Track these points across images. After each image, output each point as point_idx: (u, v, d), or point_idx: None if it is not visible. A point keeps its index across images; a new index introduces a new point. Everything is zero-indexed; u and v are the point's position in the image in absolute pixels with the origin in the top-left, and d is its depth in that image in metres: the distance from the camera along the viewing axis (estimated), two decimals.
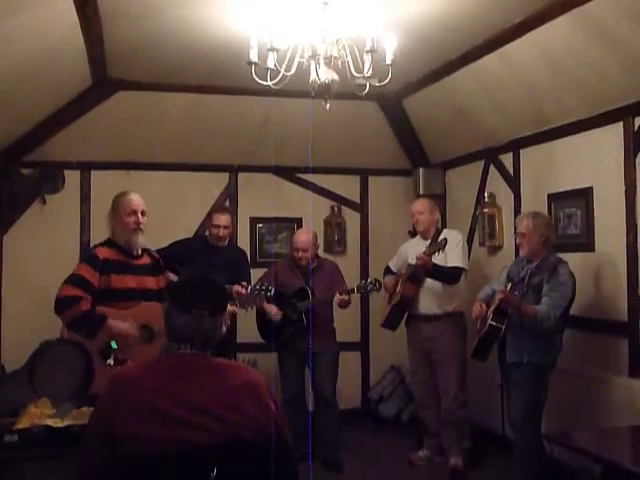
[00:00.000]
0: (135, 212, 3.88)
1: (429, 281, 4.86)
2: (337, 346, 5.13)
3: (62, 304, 3.62)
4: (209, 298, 2.27)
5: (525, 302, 4.01)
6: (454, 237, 4.89)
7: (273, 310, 4.93)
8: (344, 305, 4.92)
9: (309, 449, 4.61)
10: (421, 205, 5.07)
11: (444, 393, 4.92)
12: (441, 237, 4.72)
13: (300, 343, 4.89)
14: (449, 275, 4.82)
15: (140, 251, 3.95)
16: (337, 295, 4.82)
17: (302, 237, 5.06)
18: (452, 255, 4.79)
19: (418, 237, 5.17)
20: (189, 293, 2.29)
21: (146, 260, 3.97)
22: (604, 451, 2.88)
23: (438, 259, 4.70)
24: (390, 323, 5.07)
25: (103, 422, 2.14)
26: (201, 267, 4.40)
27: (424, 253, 4.65)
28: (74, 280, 3.69)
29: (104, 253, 3.80)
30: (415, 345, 5.08)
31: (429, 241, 4.91)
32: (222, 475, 2.05)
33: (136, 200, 3.92)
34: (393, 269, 5.27)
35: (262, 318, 5.02)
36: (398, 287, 4.99)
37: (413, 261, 4.80)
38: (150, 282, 3.89)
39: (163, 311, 2.31)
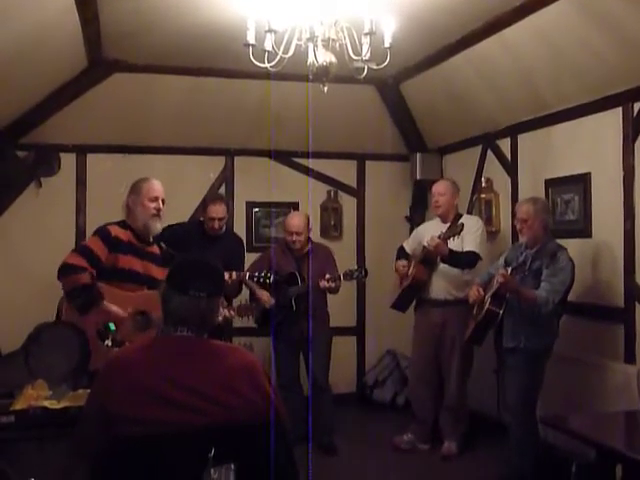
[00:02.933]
0: (157, 198, 3.93)
1: (442, 266, 4.78)
2: (330, 331, 5.11)
3: (64, 270, 3.65)
4: (207, 279, 2.27)
5: (525, 287, 4.01)
6: (474, 223, 4.84)
7: (264, 296, 4.89)
8: (332, 291, 4.89)
9: (309, 433, 4.62)
10: (443, 186, 4.98)
11: (447, 378, 4.91)
12: (460, 222, 4.63)
13: (291, 329, 4.89)
14: (464, 261, 4.74)
15: (152, 239, 3.97)
16: (323, 281, 4.74)
17: (295, 220, 5.00)
18: (469, 240, 4.72)
19: (437, 219, 5.07)
20: (186, 274, 2.28)
21: (156, 249, 4.00)
22: (598, 435, 2.88)
23: (455, 244, 4.65)
24: (400, 305, 5.04)
25: (100, 404, 2.14)
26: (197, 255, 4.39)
27: (439, 237, 4.60)
28: (82, 250, 3.76)
29: (117, 231, 3.82)
30: (422, 330, 5.01)
31: (448, 224, 4.83)
32: (219, 457, 2.05)
33: (158, 187, 3.99)
34: (407, 250, 5.18)
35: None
36: (411, 269, 4.92)
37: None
38: (156, 271, 3.87)
39: (160, 295, 2.30)
